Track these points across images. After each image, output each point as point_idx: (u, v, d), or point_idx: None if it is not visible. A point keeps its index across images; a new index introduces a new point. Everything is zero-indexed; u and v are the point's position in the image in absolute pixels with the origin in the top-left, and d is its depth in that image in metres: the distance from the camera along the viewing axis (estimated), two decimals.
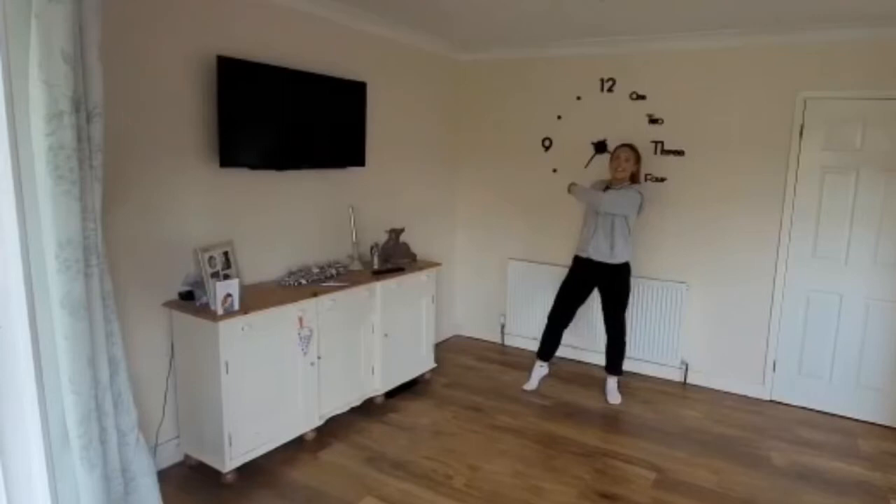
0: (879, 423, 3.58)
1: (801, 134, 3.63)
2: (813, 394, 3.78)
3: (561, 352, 4.52)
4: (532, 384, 3.95)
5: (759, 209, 3.80)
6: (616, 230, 3.61)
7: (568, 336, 4.33)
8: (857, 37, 3.41)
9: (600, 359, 4.37)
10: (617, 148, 3.69)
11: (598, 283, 3.77)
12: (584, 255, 3.73)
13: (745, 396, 3.95)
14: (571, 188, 3.74)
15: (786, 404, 3.85)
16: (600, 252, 3.65)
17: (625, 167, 3.59)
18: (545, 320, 3.96)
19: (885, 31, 3.32)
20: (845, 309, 3.64)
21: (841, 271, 3.63)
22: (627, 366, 4.31)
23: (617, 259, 3.64)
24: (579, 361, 4.48)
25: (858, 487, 2.89)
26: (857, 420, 3.64)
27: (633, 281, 4.18)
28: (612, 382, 3.87)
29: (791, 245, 3.74)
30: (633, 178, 3.69)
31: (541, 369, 4.00)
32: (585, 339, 4.41)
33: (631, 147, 3.65)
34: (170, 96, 2.67)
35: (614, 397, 3.82)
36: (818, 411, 3.75)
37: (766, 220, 3.79)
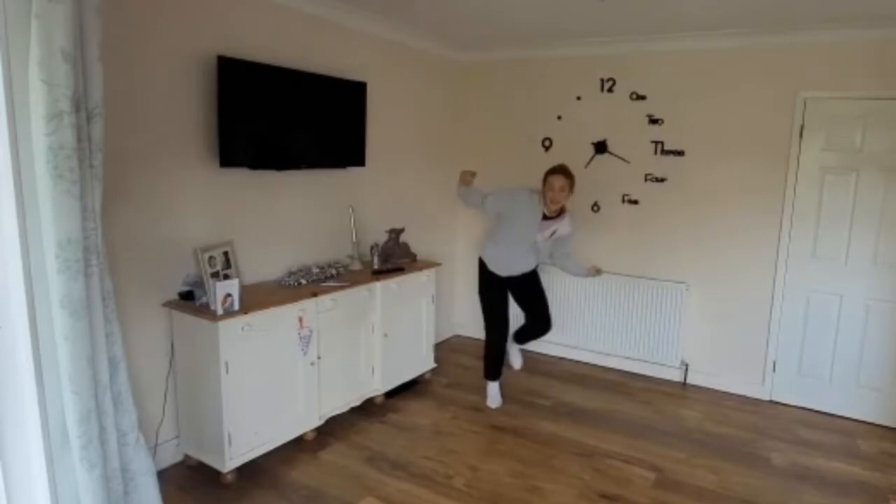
0: (879, 423, 3.58)
1: (801, 134, 3.63)
2: (813, 394, 3.78)
3: (559, 351, 4.55)
4: (497, 400, 3.66)
5: (758, 209, 3.80)
6: (541, 248, 3.57)
7: (566, 336, 4.34)
8: (857, 37, 3.41)
9: (599, 358, 4.40)
10: (550, 175, 3.28)
11: (511, 286, 3.61)
12: (504, 273, 3.52)
13: (744, 397, 3.95)
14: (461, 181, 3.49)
15: (786, 404, 3.85)
16: (522, 268, 3.55)
17: (558, 199, 3.25)
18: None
19: (885, 32, 3.32)
20: (845, 309, 3.64)
21: (841, 271, 3.63)
22: (627, 365, 4.34)
23: (534, 264, 3.63)
24: (578, 361, 4.48)
25: (858, 487, 2.89)
26: (857, 420, 3.64)
27: (633, 281, 4.21)
28: (518, 349, 3.96)
29: (791, 245, 3.74)
30: (561, 210, 3.39)
31: (496, 385, 3.70)
32: (582, 338, 4.41)
33: (565, 173, 3.28)
34: (170, 96, 2.67)
35: (519, 360, 3.96)
36: (818, 411, 3.75)
37: (765, 220, 3.79)
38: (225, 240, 2.93)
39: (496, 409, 3.61)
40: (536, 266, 3.66)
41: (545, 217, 3.37)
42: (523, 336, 3.83)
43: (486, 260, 3.58)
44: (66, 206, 1.74)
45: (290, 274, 3.25)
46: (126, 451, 2.09)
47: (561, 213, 3.42)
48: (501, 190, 3.51)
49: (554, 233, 3.44)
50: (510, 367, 3.93)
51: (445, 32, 4.13)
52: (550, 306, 3.72)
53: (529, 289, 3.64)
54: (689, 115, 3.95)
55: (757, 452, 3.20)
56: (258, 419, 2.77)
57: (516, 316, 3.79)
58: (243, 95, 2.86)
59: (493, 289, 3.58)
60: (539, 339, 3.95)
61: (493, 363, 3.66)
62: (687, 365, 4.15)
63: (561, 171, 3.30)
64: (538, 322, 3.69)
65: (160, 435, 2.76)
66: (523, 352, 4.11)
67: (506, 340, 3.67)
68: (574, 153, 4.35)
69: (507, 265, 3.52)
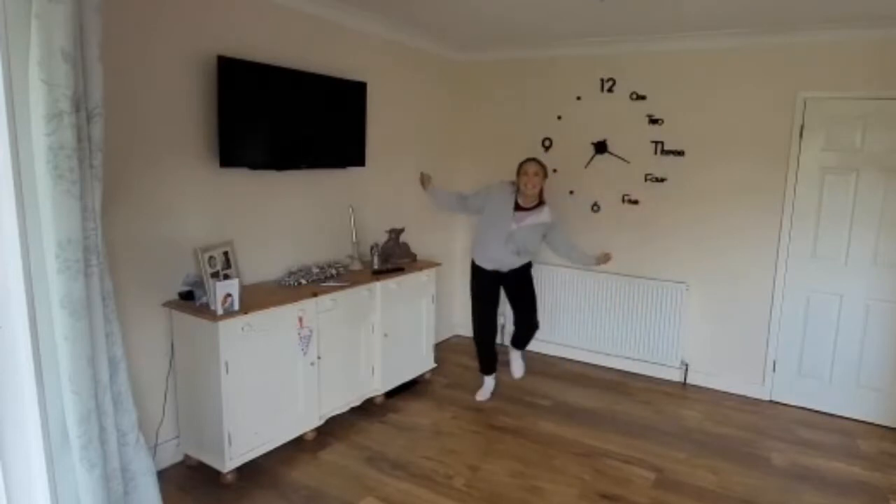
0: (879, 423, 3.58)
1: (801, 134, 3.63)
2: (813, 394, 3.78)
3: (559, 351, 4.55)
4: (485, 395, 3.77)
5: (759, 209, 3.80)
6: (527, 247, 3.52)
7: (566, 336, 4.33)
8: (857, 37, 3.41)
9: (599, 358, 4.39)
10: (524, 163, 3.45)
11: (504, 284, 3.67)
12: (489, 266, 3.60)
13: (744, 397, 3.95)
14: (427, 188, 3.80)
15: (786, 404, 3.85)
16: (507, 265, 3.57)
17: (534, 182, 3.37)
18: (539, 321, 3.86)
19: (885, 32, 3.32)
20: (845, 309, 3.64)
21: (841, 271, 3.63)
22: (627, 365, 4.34)
23: (523, 261, 3.60)
24: (578, 361, 4.48)
25: (858, 487, 2.89)
26: (857, 420, 3.64)
27: (633, 281, 4.20)
28: (519, 356, 3.88)
29: (791, 245, 3.74)
30: (541, 194, 3.49)
31: (491, 381, 3.83)
32: (583, 338, 4.41)
33: (538, 161, 3.46)
34: (170, 96, 2.67)
35: (520, 369, 3.87)
36: (818, 411, 3.75)
37: (766, 220, 3.79)
38: (225, 240, 2.93)
39: (492, 408, 3.62)
40: (528, 266, 3.67)
41: (520, 207, 3.47)
42: (517, 341, 3.84)
43: (474, 255, 3.70)
44: (66, 206, 1.74)
45: (290, 274, 3.25)
46: (126, 451, 2.09)
47: (540, 204, 3.50)
48: (481, 186, 3.69)
49: (536, 224, 3.47)
50: (511, 375, 3.91)
51: (445, 32, 4.13)
52: (541, 310, 3.71)
53: (519, 289, 3.68)
54: (689, 115, 3.94)
55: (757, 452, 3.20)
56: (258, 419, 2.77)
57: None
58: (243, 95, 2.86)
59: (481, 286, 3.69)
60: (538, 340, 3.95)
61: (481, 359, 3.81)
62: (687, 365, 4.15)
63: (533, 159, 3.49)
64: (523, 325, 3.74)
65: (160, 435, 2.76)
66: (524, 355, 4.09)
67: (490, 337, 3.75)
68: (574, 153, 4.35)
69: (490, 257, 3.58)
